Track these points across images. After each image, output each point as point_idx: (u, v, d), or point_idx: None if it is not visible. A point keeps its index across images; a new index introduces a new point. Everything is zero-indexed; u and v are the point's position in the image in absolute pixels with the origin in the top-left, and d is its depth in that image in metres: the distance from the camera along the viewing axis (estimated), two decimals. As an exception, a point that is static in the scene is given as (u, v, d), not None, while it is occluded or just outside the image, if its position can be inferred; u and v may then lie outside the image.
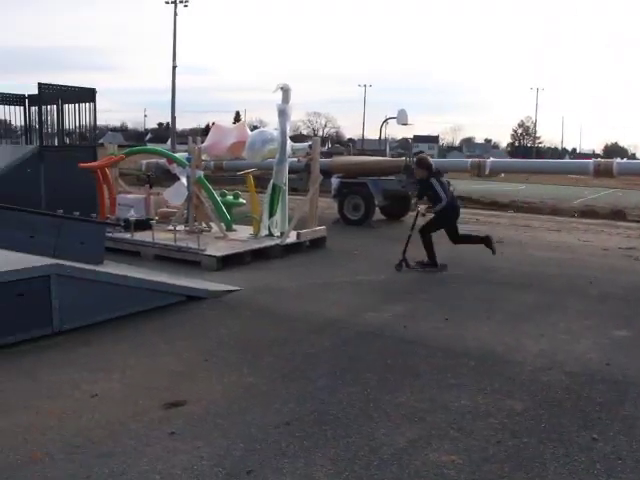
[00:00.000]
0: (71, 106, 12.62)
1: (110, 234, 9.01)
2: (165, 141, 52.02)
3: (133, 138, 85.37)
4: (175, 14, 45.28)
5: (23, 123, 13.64)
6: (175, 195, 10.51)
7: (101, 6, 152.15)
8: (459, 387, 4.51)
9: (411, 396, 4.33)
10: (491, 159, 14.77)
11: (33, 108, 13.29)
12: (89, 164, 10.69)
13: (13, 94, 13.64)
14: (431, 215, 8.83)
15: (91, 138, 13.17)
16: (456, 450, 3.58)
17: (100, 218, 9.82)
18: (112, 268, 6.68)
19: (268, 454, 3.50)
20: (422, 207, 8.88)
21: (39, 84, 12.20)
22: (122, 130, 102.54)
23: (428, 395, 4.35)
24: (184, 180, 10.29)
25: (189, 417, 3.95)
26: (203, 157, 10.69)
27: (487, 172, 13.90)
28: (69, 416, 3.96)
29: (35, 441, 3.63)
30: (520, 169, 17.28)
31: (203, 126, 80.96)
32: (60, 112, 12.60)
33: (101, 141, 15.10)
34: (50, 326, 5.34)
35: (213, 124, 12.35)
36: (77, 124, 12.84)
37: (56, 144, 12.59)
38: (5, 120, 13.95)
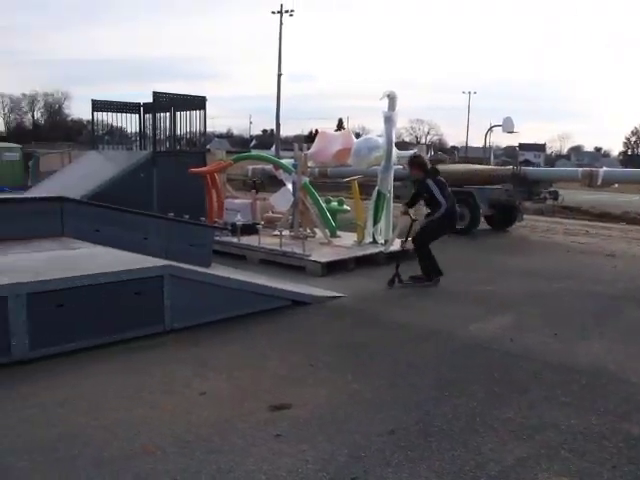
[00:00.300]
0: (182, 113, 13.15)
1: (218, 237, 9.28)
2: (269, 147, 52.93)
3: (238, 144, 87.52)
4: (281, 23, 46.22)
5: (137, 130, 14.35)
6: (281, 200, 10.70)
7: (210, 17, 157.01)
8: (570, 405, 4.33)
9: (519, 412, 4.20)
10: (604, 168, 14.13)
11: (147, 115, 13.94)
12: (199, 169, 11.07)
13: (129, 102, 14.37)
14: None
15: (201, 144, 13.61)
16: (567, 472, 3.43)
17: (208, 222, 10.13)
18: (220, 271, 6.89)
19: (372, 462, 3.49)
20: (412, 211, 8.33)
21: (154, 93, 12.78)
22: (228, 136, 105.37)
23: (537, 412, 4.21)
24: (290, 186, 10.46)
25: (294, 420, 4.00)
26: (309, 164, 10.83)
27: (599, 182, 13.28)
28: (180, 412, 4.10)
29: (148, 434, 3.78)
30: (638, 180, 16.33)
31: (306, 133, 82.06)
32: (172, 119, 13.14)
33: (208, 147, 15.65)
34: (162, 324, 5.56)
35: (316, 131, 12.51)
36: (188, 130, 13.37)
37: (168, 150, 13.11)
38: (120, 127, 14.71)
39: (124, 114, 14.19)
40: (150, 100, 13.06)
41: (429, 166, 8.31)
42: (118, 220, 7.59)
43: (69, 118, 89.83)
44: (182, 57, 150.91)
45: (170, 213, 9.05)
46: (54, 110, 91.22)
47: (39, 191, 11.78)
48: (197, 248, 7.76)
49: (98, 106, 13.96)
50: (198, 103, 13.18)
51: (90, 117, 14.14)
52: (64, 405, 4.17)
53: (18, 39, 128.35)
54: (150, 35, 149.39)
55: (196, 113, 13.11)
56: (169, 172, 11.91)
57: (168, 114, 13.06)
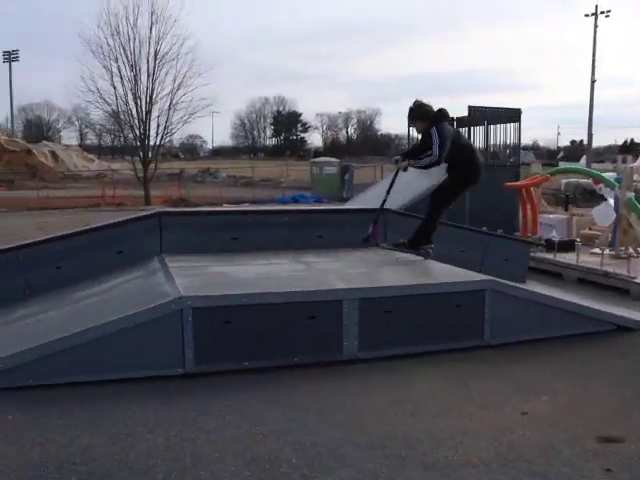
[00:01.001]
0: (496, 126, 13.10)
1: (532, 253, 9.06)
2: (578, 159, 50.11)
3: (544, 156, 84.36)
4: (595, 26, 43.61)
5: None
6: (602, 216, 10.08)
7: (514, 27, 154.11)
8: None
9: None
10: None
11: (461, 129, 14.13)
12: (515, 183, 10.92)
13: (443, 116, 14.69)
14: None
15: (516, 158, 13.39)
16: None
17: (521, 236, 9.95)
18: (537, 288, 6.71)
19: None
20: (405, 163, 6.83)
21: (469, 107, 12.93)
22: (533, 148, 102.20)
23: None
24: (611, 201, 9.81)
25: (627, 456, 3.70)
26: (634, 177, 10.04)
27: None
28: (500, 429, 4.07)
29: (470, 446, 3.81)
30: None
31: (620, 143, 76.00)
32: (486, 132, 13.17)
33: (512, 159, 15.31)
34: (481, 339, 5.59)
35: (632, 141, 11.53)
36: (501, 144, 13.28)
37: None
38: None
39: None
40: (460, 113, 13.26)
41: (433, 113, 6.73)
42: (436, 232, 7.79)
43: (378, 133, 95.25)
44: (487, 69, 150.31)
45: (483, 227, 9.07)
46: (366, 126, 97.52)
47: (358, 203, 12.61)
48: (512, 263, 7.68)
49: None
50: (513, 116, 13.04)
51: (399, 132, 14.85)
52: (392, 406, 4.41)
53: (337, 64, 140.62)
54: (455, 49, 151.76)
55: (510, 126, 12.98)
56: (482, 185, 11.85)
57: (481, 127, 13.14)
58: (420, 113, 6.76)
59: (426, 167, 6.71)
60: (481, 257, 7.58)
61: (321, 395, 4.60)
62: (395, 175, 7.23)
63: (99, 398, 4.45)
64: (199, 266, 6.21)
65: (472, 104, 13.02)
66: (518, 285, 6.00)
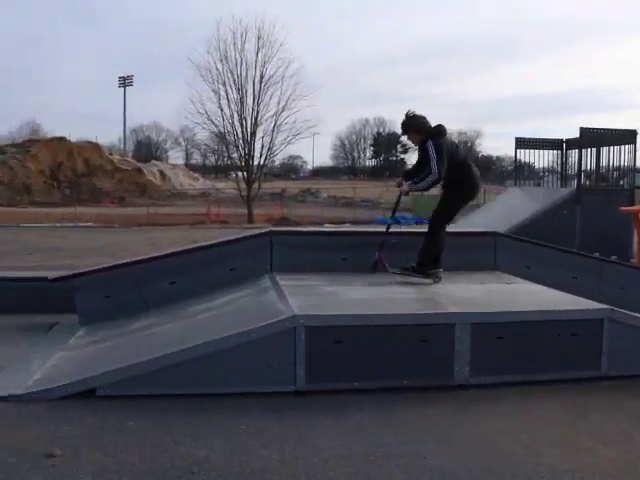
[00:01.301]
0: (609, 148, 12.69)
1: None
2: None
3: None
4: None
5: (548, 165, 14.38)
6: None
7: (620, 45, 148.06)
8: None
9: None
10: None
11: (570, 151, 13.80)
12: (631, 208, 10.51)
13: (551, 139, 14.43)
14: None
15: (630, 181, 12.89)
16: None
17: (638, 263, 9.53)
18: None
19: None
20: (405, 184, 6.58)
21: (581, 128, 12.58)
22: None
23: None
24: None
25: None
26: None
27: None
28: (625, 466, 3.87)
29: (590, 482, 3.67)
30: None
31: None
32: (597, 155, 12.78)
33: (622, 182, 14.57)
34: (598, 369, 5.37)
35: None
36: (615, 166, 12.84)
37: (593, 187, 12.77)
38: (528, 162, 14.80)
39: (540, 150, 14.28)
40: (570, 135, 12.97)
41: (428, 124, 6.46)
42: (546, 257, 7.59)
43: (480, 154, 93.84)
44: (598, 88, 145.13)
45: (595, 253, 8.76)
46: (467, 147, 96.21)
47: (463, 225, 12.45)
48: (629, 292, 7.36)
49: (521, 143, 14.28)
50: (627, 137, 12.58)
51: (501, 153, 14.67)
52: (506, 435, 4.29)
53: (437, 85, 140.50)
54: (563, 68, 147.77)
55: (624, 148, 12.54)
56: (594, 210, 11.51)
57: (594, 150, 12.76)
58: (415, 125, 6.52)
59: (427, 188, 6.49)
60: (595, 284, 7.32)
61: (432, 420, 4.55)
62: (398, 198, 7.23)
63: (215, 411, 4.58)
64: (310, 285, 6.30)
65: (584, 125, 12.67)
66: (638, 315, 5.72)
